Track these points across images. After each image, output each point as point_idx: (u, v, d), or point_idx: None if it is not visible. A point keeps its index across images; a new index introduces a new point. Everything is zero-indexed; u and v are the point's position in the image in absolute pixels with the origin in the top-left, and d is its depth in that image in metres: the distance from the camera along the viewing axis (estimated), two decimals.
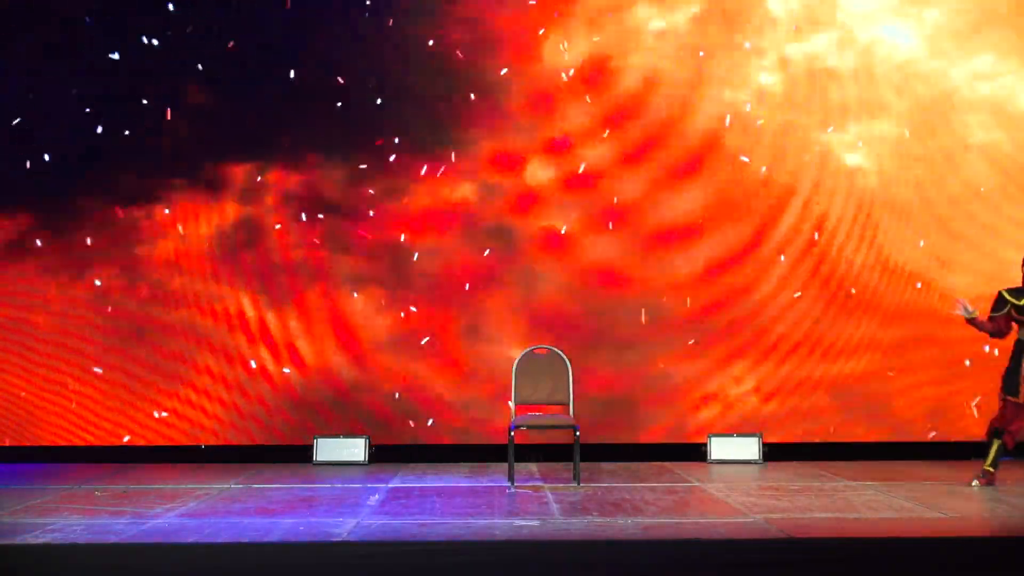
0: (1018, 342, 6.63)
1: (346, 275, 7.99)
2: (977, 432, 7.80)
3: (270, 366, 7.94)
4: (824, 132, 7.98)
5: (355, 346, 7.96)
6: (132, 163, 8.02)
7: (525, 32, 8.01)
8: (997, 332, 6.73)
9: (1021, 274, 6.62)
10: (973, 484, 6.54)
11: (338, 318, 7.97)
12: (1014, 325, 6.63)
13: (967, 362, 7.80)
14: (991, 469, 6.57)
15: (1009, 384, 6.60)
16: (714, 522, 5.51)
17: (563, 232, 7.94)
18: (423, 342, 7.92)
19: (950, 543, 5.07)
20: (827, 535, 5.26)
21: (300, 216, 8.00)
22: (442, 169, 7.97)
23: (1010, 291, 6.64)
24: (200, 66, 8.01)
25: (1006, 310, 6.60)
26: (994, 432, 6.63)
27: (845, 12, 8.03)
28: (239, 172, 8.02)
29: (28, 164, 8.02)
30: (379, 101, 7.98)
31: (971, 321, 6.70)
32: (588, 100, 7.98)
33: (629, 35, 8.01)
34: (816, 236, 7.93)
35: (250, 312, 7.97)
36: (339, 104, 7.99)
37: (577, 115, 7.99)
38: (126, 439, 7.90)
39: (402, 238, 7.98)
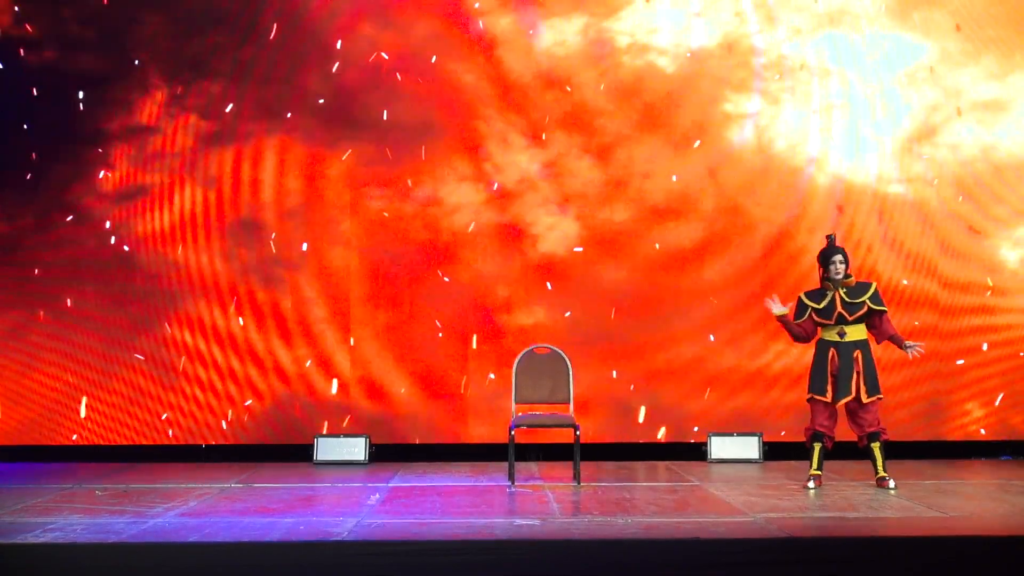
0: (820, 342, 6.54)
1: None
2: (974, 432, 7.85)
3: (272, 363, 7.94)
4: None
5: (355, 343, 7.97)
6: None
7: None
8: (804, 337, 6.57)
9: (819, 275, 6.53)
10: (810, 486, 6.45)
11: (337, 315, 7.97)
12: (819, 329, 6.54)
13: (960, 361, 7.88)
14: (818, 472, 6.50)
15: (816, 384, 6.49)
16: (714, 521, 5.50)
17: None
18: None
19: (950, 543, 5.06)
20: (827, 535, 5.26)
21: None
22: None
23: (808, 295, 6.52)
24: None
25: (807, 314, 6.47)
26: (813, 436, 6.53)
27: None
28: None
29: None
30: None
31: (781, 318, 6.51)
32: None
33: None
34: None
35: (262, 301, 7.99)
36: None
37: None
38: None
39: None
